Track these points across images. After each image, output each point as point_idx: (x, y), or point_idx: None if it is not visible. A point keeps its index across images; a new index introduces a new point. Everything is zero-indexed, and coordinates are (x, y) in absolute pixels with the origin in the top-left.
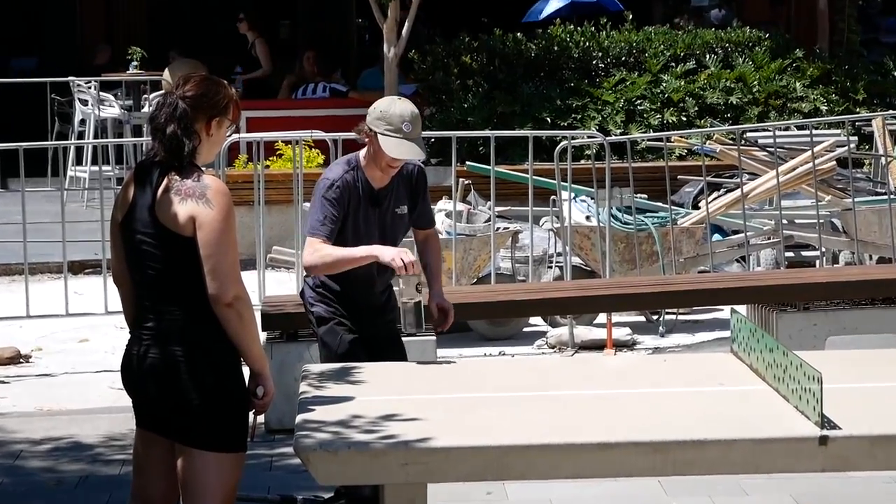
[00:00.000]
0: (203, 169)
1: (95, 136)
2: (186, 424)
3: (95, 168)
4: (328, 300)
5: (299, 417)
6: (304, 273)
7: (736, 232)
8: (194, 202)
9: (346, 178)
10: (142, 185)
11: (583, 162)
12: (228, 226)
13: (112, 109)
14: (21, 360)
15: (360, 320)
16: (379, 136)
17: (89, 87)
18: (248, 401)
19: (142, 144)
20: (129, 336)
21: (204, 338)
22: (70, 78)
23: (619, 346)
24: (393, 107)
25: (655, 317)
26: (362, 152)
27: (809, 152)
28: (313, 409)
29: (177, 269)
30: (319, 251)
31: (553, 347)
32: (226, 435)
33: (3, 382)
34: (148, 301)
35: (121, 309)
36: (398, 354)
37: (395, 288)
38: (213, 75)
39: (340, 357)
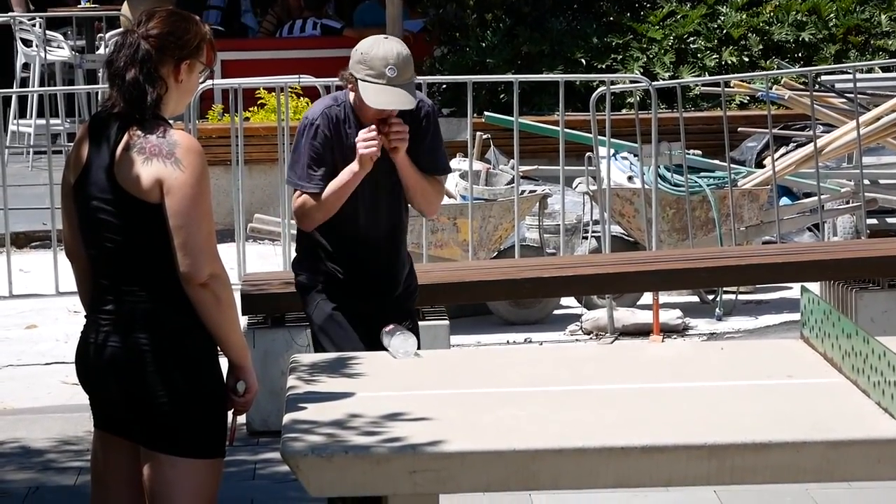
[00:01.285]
0: (171, 122)
1: (41, 84)
2: (153, 426)
3: (42, 122)
4: (316, 266)
5: (287, 417)
6: (297, 244)
7: (808, 195)
8: (161, 162)
9: (327, 112)
10: (98, 142)
11: (624, 112)
12: (202, 191)
13: (61, 51)
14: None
15: (361, 294)
16: (359, 82)
17: (33, 25)
18: (227, 398)
19: (97, 93)
20: (84, 321)
21: (173, 323)
22: (10, 14)
23: (668, 331)
24: (376, 48)
25: (711, 297)
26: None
27: None
28: (303, 408)
29: (140, 242)
30: (307, 204)
31: (589, 333)
32: (200, 438)
33: None
34: (106, 280)
35: (74, 290)
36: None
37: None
38: (182, 10)
39: (321, 329)
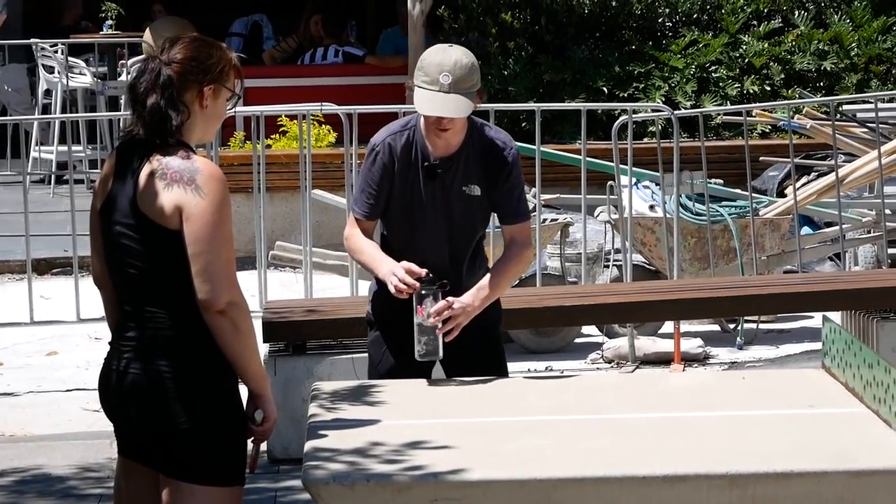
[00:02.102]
0: (194, 149)
1: (63, 110)
2: (173, 453)
3: (64, 148)
4: (388, 297)
5: (308, 445)
6: None
7: (829, 224)
8: (181, 189)
9: (388, 141)
10: (122, 169)
11: (646, 140)
12: (222, 218)
13: (83, 78)
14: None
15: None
16: (415, 89)
17: (55, 52)
18: (247, 426)
19: (119, 120)
20: (108, 348)
21: (194, 350)
22: (33, 40)
23: (689, 360)
24: (435, 55)
25: (732, 326)
26: None
27: None
28: (325, 435)
29: (162, 268)
30: (352, 240)
31: (610, 362)
32: (219, 466)
33: None
34: (129, 306)
35: (95, 316)
36: (492, 370)
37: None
38: (206, 37)
39: (382, 377)
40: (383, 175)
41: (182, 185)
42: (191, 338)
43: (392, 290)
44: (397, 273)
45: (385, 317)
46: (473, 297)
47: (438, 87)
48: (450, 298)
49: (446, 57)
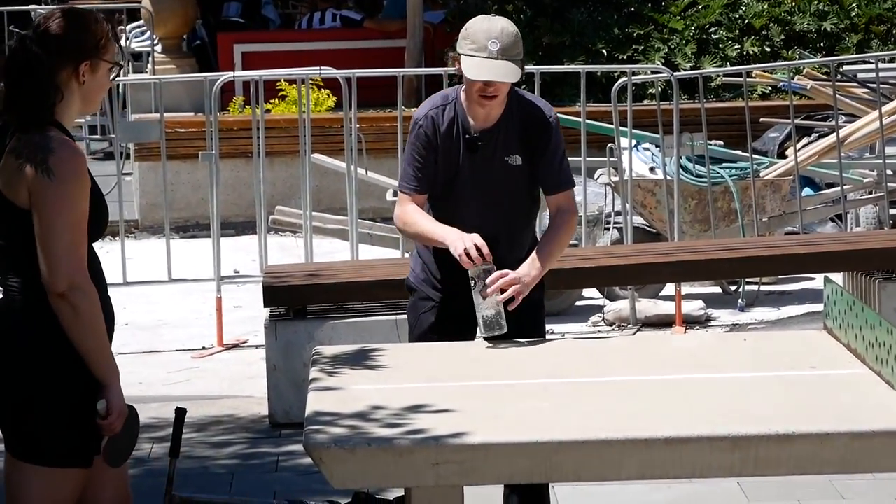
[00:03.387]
0: (57, 128)
1: None
2: (2, 423)
3: None
4: (427, 262)
5: (309, 409)
6: None
7: (830, 185)
8: (32, 169)
9: (431, 114)
10: None
11: (646, 102)
12: (70, 201)
13: None
14: None
15: (469, 294)
16: (462, 57)
17: None
18: (86, 412)
19: (117, 86)
20: None
21: (38, 329)
22: (31, 7)
23: (691, 322)
24: (480, 23)
25: (734, 288)
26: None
27: None
28: (326, 400)
29: (16, 246)
30: (405, 215)
31: (611, 325)
32: (44, 445)
33: None
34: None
35: None
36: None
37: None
38: (80, 8)
39: (417, 340)
40: (428, 147)
41: (33, 165)
42: (39, 317)
43: (457, 254)
44: (469, 242)
45: (426, 279)
46: (530, 268)
47: (487, 53)
48: (506, 271)
49: (493, 25)
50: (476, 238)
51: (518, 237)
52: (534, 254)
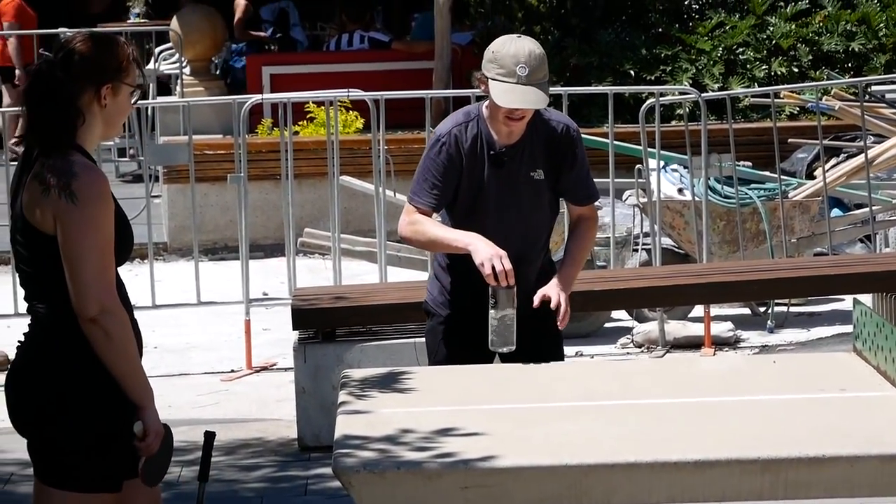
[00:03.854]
0: (88, 152)
1: None
2: (31, 447)
3: None
4: (445, 284)
5: (338, 432)
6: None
7: (859, 206)
8: (56, 194)
9: (454, 132)
10: (21, 171)
11: (674, 123)
12: (94, 225)
13: None
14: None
15: (480, 320)
16: (490, 81)
17: None
18: (122, 435)
19: (146, 108)
20: None
21: (69, 355)
22: (61, 29)
23: (720, 344)
24: (507, 45)
25: (763, 309)
26: (487, 101)
27: None
28: (355, 423)
29: (43, 272)
30: (415, 224)
31: (640, 347)
32: (73, 470)
33: None
34: (26, 304)
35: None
36: (550, 357)
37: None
38: (102, 32)
39: (437, 364)
40: (450, 166)
41: (57, 190)
42: (66, 342)
43: (486, 272)
44: (497, 261)
45: (445, 302)
46: (566, 283)
47: (516, 79)
48: (548, 294)
49: (520, 48)
50: (504, 259)
51: (539, 249)
52: (564, 266)
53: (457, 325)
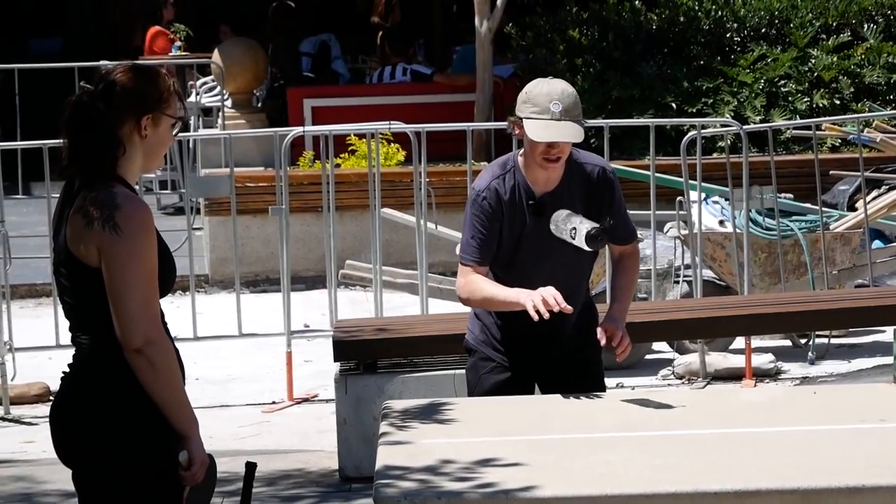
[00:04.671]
0: (130, 183)
1: None
2: (76, 478)
3: None
4: (487, 323)
5: (379, 463)
6: None
7: None
8: (99, 227)
9: (493, 185)
10: (63, 203)
11: (715, 155)
12: (139, 257)
13: None
14: (51, 398)
15: (531, 354)
16: (524, 121)
17: None
18: (166, 466)
19: (187, 141)
20: None
21: (114, 386)
22: (101, 62)
23: (761, 375)
24: (540, 86)
25: (804, 340)
26: (523, 150)
27: None
28: (396, 454)
29: (87, 304)
30: (470, 285)
31: (681, 378)
32: (119, 499)
33: (30, 424)
34: (70, 336)
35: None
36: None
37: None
38: (143, 64)
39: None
40: (492, 219)
41: (101, 222)
42: (113, 373)
43: (538, 308)
44: (546, 293)
45: (486, 340)
46: (620, 317)
47: (550, 115)
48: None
49: (553, 87)
50: (546, 290)
51: (582, 292)
52: (617, 301)
53: (499, 363)
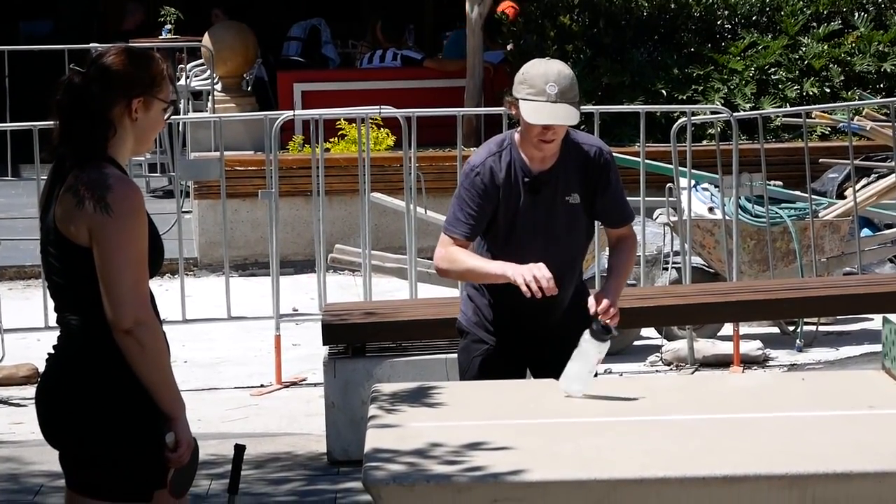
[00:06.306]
0: (120, 164)
1: None
2: (67, 461)
3: None
4: (480, 305)
5: (368, 446)
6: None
7: (890, 226)
8: (91, 207)
9: (489, 162)
10: (52, 183)
11: (705, 143)
12: (130, 238)
13: None
14: (39, 380)
15: (523, 336)
16: (520, 102)
17: None
18: (153, 446)
19: (177, 124)
20: None
21: (101, 366)
22: (91, 45)
23: (749, 362)
24: (537, 67)
25: (792, 328)
26: (519, 127)
27: None
28: (385, 437)
29: (76, 284)
30: (450, 256)
31: (669, 364)
32: (105, 480)
33: (18, 405)
34: (56, 315)
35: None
36: None
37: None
38: (136, 46)
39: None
40: (485, 196)
41: (92, 203)
42: (100, 353)
43: (529, 285)
44: (529, 274)
45: (478, 322)
46: (614, 292)
47: (546, 97)
48: (597, 294)
49: (549, 68)
50: (540, 268)
51: (576, 272)
52: (612, 277)
53: (492, 345)
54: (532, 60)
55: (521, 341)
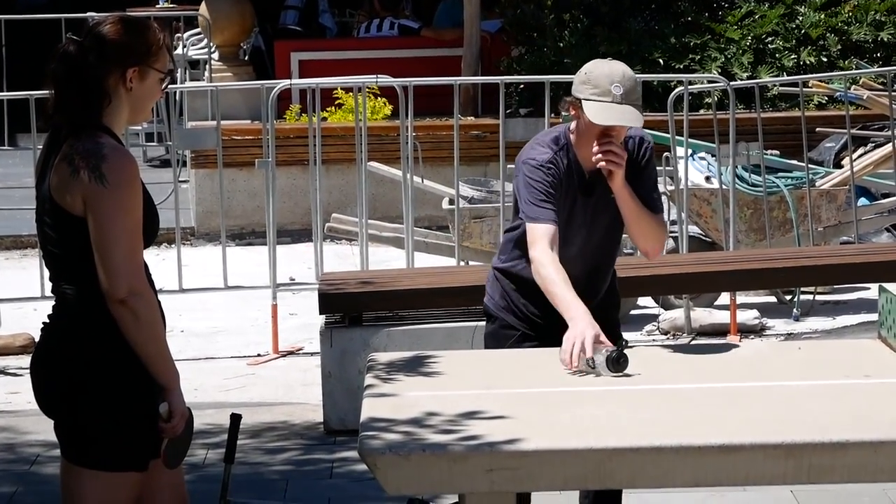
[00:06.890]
0: (116, 133)
1: None
2: (61, 430)
3: None
4: (507, 288)
5: (364, 415)
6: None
7: (886, 195)
8: (86, 177)
9: (559, 158)
10: (48, 152)
11: (702, 112)
12: (125, 208)
13: None
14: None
15: (553, 325)
16: (584, 102)
17: None
18: (147, 416)
19: (174, 93)
20: None
21: (95, 335)
22: (88, 14)
23: (745, 331)
24: (601, 66)
25: (789, 297)
26: (571, 125)
27: None
28: (381, 406)
29: (71, 253)
30: (549, 265)
31: (666, 333)
32: (99, 449)
33: (15, 375)
34: (52, 284)
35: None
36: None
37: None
38: (133, 16)
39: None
40: (556, 188)
41: (87, 172)
42: (94, 323)
43: (573, 353)
44: (585, 339)
45: (507, 306)
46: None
47: (611, 97)
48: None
49: (613, 69)
50: (587, 339)
51: (612, 263)
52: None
53: (521, 332)
54: (594, 61)
55: (551, 331)
